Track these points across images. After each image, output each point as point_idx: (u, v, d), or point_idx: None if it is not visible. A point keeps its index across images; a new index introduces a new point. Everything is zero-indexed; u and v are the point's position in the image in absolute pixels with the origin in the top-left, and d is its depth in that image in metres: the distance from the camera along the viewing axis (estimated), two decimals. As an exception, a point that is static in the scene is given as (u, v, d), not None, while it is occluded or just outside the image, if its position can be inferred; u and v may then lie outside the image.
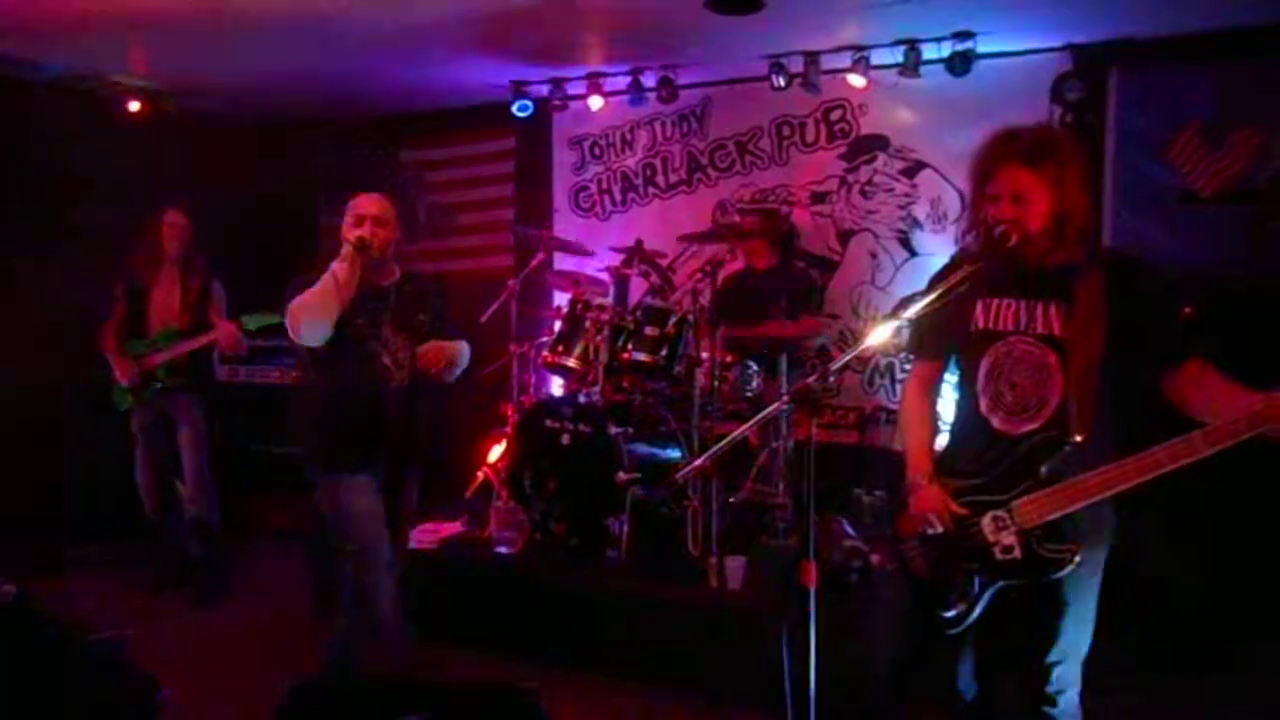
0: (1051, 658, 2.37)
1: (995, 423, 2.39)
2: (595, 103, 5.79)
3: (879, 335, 2.36)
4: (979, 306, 2.42)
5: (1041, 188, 2.29)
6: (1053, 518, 2.27)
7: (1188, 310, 4.07)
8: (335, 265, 3.19)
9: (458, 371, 3.48)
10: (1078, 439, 2.25)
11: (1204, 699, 3.65)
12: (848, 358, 2.35)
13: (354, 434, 3.30)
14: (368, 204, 3.32)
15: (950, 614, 2.42)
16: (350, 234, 3.23)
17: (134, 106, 5.88)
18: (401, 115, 6.66)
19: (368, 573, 3.31)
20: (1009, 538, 2.33)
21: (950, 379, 2.68)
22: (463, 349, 3.45)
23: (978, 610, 2.40)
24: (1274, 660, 3.85)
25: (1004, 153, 2.33)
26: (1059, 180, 2.30)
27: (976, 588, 2.39)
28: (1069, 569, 2.28)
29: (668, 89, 5.58)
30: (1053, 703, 2.39)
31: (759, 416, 2.41)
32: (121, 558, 5.24)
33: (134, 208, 5.42)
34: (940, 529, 2.41)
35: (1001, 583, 2.36)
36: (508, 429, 4.79)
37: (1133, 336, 2.26)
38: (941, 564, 2.44)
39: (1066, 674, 2.39)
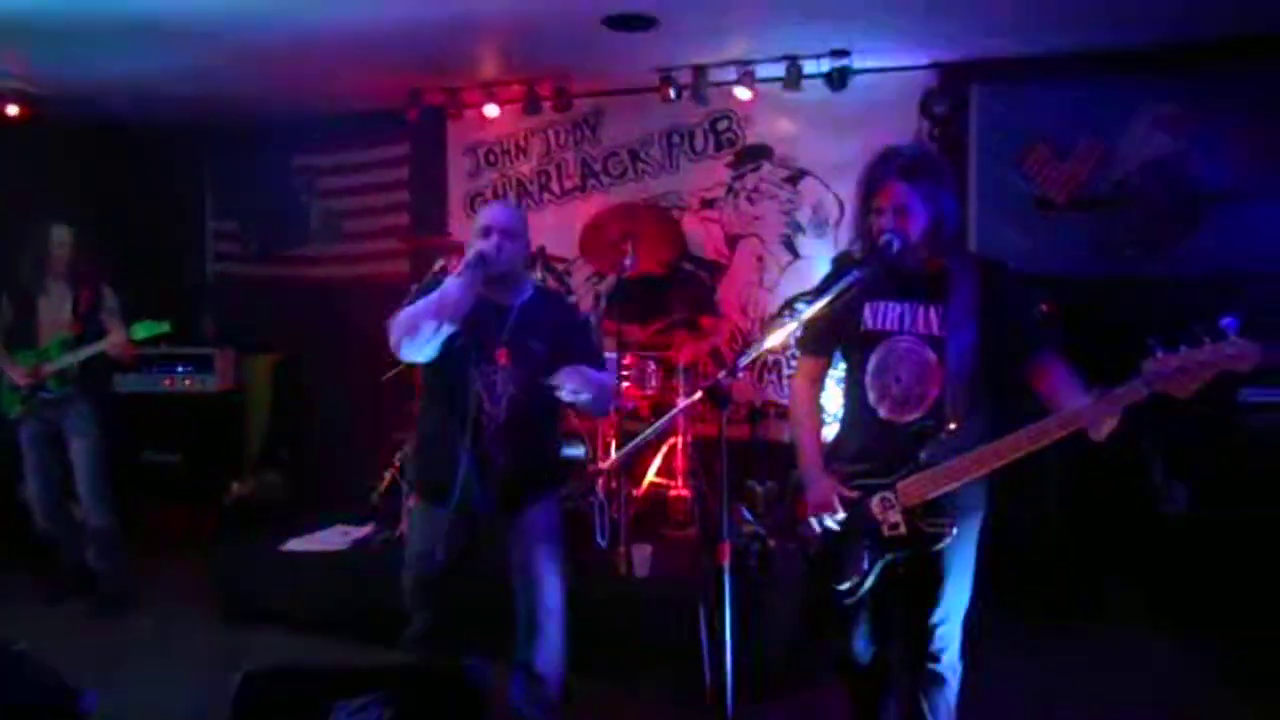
0: (934, 619, 2.64)
1: (882, 413, 2.64)
2: (491, 111, 5.93)
3: (779, 335, 2.62)
4: (866, 308, 2.66)
5: (919, 201, 2.55)
6: (932, 496, 2.54)
7: (1045, 306, 4.51)
8: (449, 279, 2.85)
9: (602, 405, 3.10)
10: (952, 426, 2.53)
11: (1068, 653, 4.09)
12: (754, 355, 2.60)
13: (436, 463, 2.99)
14: (497, 215, 3.00)
15: (844, 586, 2.67)
16: (485, 244, 2.90)
17: (12, 110, 5.73)
18: (295, 120, 6.63)
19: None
20: (894, 515, 2.58)
21: (835, 374, 2.95)
22: (606, 381, 3.07)
23: (869, 582, 2.64)
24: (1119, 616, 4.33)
25: (886, 170, 2.58)
26: (934, 194, 2.58)
27: (867, 562, 2.63)
28: (947, 540, 2.55)
29: (562, 98, 5.77)
30: (936, 659, 2.67)
31: (675, 410, 2.66)
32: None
33: (16, 213, 5.31)
34: (836, 524, 2.64)
35: (889, 556, 2.61)
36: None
37: (998, 333, 2.56)
38: (835, 541, 2.67)
39: (948, 633, 2.67)
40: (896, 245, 2.54)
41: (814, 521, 2.69)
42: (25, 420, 4.73)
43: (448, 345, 2.87)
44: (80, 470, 4.74)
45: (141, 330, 4.62)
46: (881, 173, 2.58)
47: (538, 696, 3.03)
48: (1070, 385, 2.49)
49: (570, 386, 2.83)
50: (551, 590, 3.05)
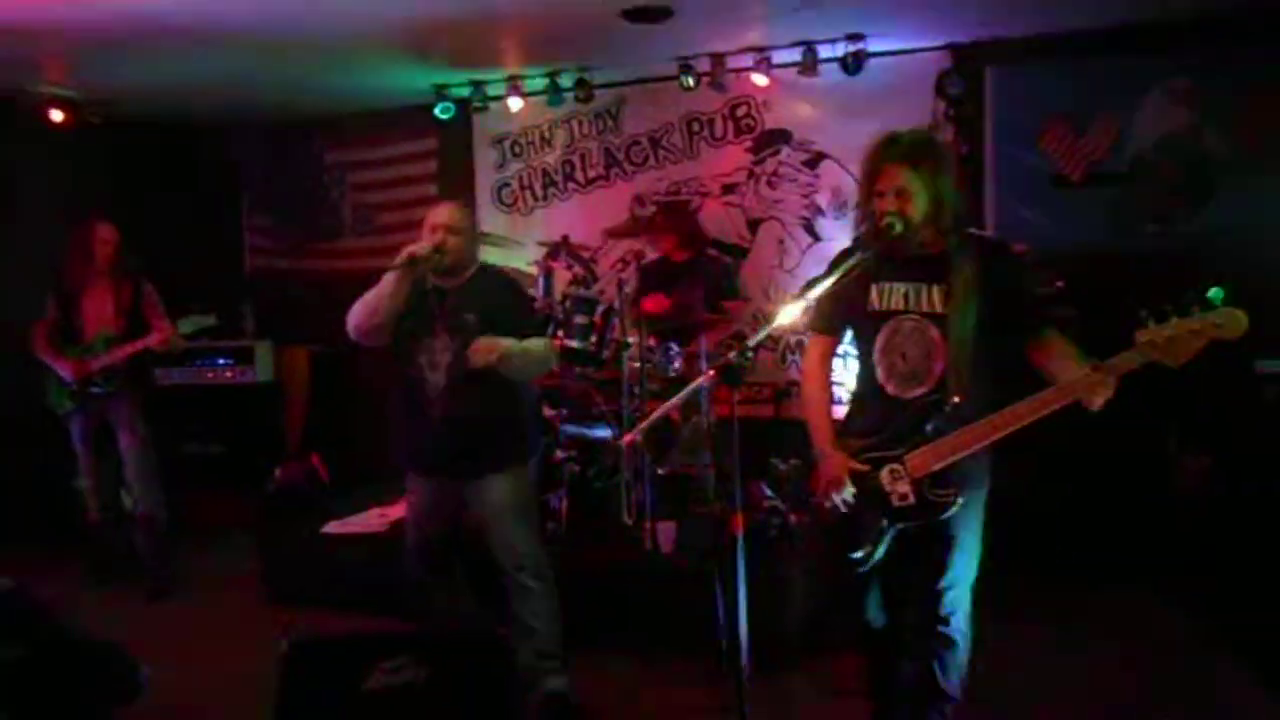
0: (943, 584, 2.74)
1: (890, 389, 2.74)
2: (515, 103, 6.06)
3: (789, 314, 2.73)
4: (873, 289, 2.75)
5: (920, 184, 2.64)
6: (938, 467, 2.65)
7: (1059, 283, 4.58)
8: (385, 277, 3.26)
9: (528, 368, 3.37)
10: (956, 400, 2.63)
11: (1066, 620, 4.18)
12: (762, 335, 2.72)
13: (402, 432, 3.46)
14: (440, 214, 3.35)
15: (858, 555, 2.77)
16: (420, 244, 3.26)
17: (56, 116, 5.95)
18: (325, 117, 6.82)
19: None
20: (903, 486, 2.69)
21: (850, 352, 3.05)
22: (529, 345, 3.30)
23: (881, 551, 2.75)
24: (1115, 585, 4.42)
25: (888, 154, 2.68)
26: (935, 177, 2.66)
27: (878, 532, 2.74)
28: (954, 509, 2.66)
29: (584, 89, 5.89)
30: (946, 622, 2.77)
31: (687, 390, 2.75)
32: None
33: (61, 210, 5.54)
34: (847, 499, 2.74)
35: (899, 525, 2.72)
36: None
37: (1000, 312, 2.65)
38: (848, 513, 2.78)
39: (956, 598, 2.77)
40: (898, 227, 2.63)
41: (823, 494, 2.79)
42: (74, 415, 4.92)
43: (399, 328, 3.32)
44: (130, 461, 4.93)
45: (188, 325, 4.82)
46: (883, 157, 2.68)
47: (536, 650, 3.28)
48: (1067, 360, 2.59)
49: (476, 358, 3.15)
50: (519, 554, 3.32)
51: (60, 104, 5.92)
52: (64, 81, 5.70)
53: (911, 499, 2.69)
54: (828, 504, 2.78)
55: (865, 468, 2.74)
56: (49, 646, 2.88)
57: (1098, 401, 2.45)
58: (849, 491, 2.74)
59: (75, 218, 5.05)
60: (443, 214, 3.36)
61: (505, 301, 3.41)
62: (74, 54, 5.21)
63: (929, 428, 2.66)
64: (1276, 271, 4.45)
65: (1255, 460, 4.34)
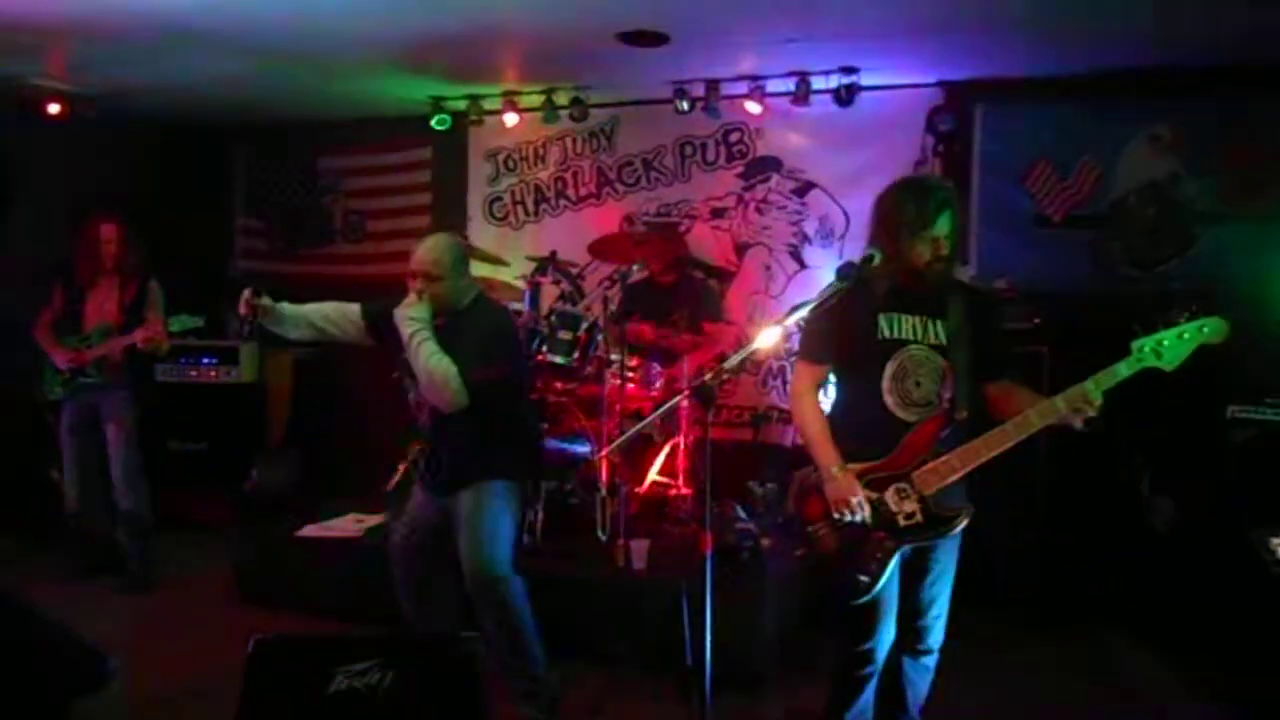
0: (934, 613, 2.86)
1: (902, 415, 2.77)
2: (510, 119, 6.13)
3: (767, 338, 2.79)
4: (881, 320, 2.81)
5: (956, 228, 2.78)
6: (949, 481, 2.71)
7: (1036, 319, 4.66)
8: None
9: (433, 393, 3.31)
10: (963, 415, 2.73)
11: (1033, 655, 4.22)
12: (740, 356, 2.77)
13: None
14: (413, 258, 3.40)
15: (864, 579, 2.75)
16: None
17: (53, 109, 5.98)
18: (321, 122, 6.86)
19: None
20: (910, 505, 2.73)
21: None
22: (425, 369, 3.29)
23: (887, 573, 2.75)
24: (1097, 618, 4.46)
25: (945, 199, 2.75)
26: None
27: (885, 553, 2.75)
28: (962, 524, 2.74)
29: (579, 108, 5.96)
30: (931, 652, 2.91)
31: (662, 409, 2.81)
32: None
33: (55, 204, 5.55)
34: (860, 515, 2.72)
35: (907, 546, 2.75)
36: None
37: (979, 346, 2.79)
38: (850, 539, 2.78)
39: (941, 627, 2.89)
40: (942, 266, 2.76)
41: (834, 517, 2.78)
42: (65, 404, 4.95)
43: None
44: (114, 454, 4.94)
45: (176, 323, 4.84)
46: (943, 201, 2.74)
47: (500, 658, 3.34)
48: (1031, 397, 2.74)
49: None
50: (470, 563, 3.36)
51: (57, 97, 5.95)
52: (62, 76, 5.73)
53: (919, 517, 2.74)
54: (840, 519, 2.76)
55: (874, 495, 2.76)
56: (10, 633, 2.89)
57: (1080, 418, 2.61)
58: (865, 512, 2.73)
59: (69, 211, 5.07)
60: (414, 257, 3.41)
61: (471, 338, 3.37)
62: (74, 49, 5.23)
63: (941, 434, 2.73)
64: (1249, 320, 4.51)
65: (1222, 502, 4.40)
